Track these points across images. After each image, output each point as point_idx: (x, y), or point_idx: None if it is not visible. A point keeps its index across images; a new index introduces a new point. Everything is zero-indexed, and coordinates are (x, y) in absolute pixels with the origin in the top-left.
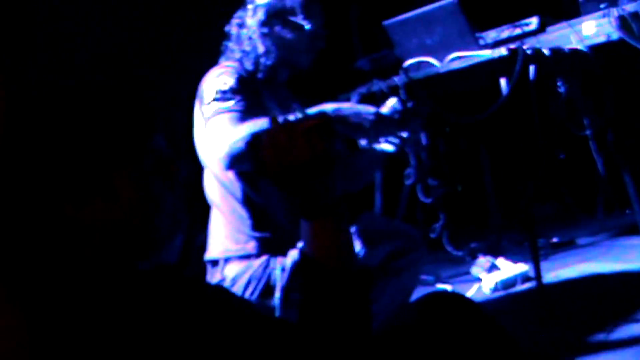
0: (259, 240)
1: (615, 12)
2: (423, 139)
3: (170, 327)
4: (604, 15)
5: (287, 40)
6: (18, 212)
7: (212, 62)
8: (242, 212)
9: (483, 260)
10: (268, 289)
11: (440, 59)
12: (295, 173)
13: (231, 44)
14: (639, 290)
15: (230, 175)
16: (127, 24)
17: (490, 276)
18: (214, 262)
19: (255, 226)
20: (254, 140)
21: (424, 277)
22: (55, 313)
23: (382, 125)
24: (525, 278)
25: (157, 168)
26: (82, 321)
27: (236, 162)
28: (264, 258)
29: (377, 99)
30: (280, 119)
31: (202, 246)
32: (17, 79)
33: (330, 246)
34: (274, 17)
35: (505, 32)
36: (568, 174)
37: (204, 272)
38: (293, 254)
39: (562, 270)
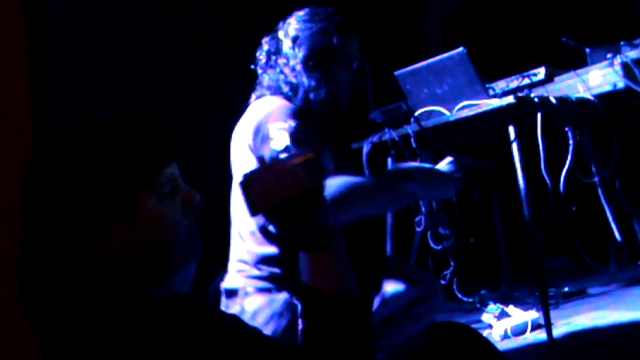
0: (281, 275)
1: (618, 59)
2: None
3: (186, 356)
4: (609, 65)
5: (337, 77)
6: (44, 238)
7: (229, 97)
8: (269, 248)
9: (494, 308)
10: (290, 326)
11: (450, 108)
12: (285, 209)
13: (270, 73)
14: None
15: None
16: (147, 61)
17: (500, 323)
18: (232, 292)
19: (279, 262)
20: (245, 179)
21: None
22: (73, 338)
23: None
24: (535, 325)
25: (173, 194)
26: (99, 347)
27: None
28: (285, 294)
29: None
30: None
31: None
32: (42, 112)
33: (327, 276)
34: (321, 52)
35: (514, 82)
36: (580, 225)
37: (217, 300)
38: None
39: (572, 318)
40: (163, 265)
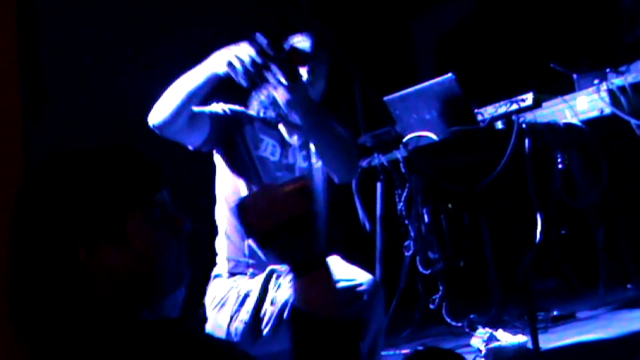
0: (235, 262)
1: (604, 86)
2: (425, 215)
3: None
4: (596, 91)
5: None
6: (36, 259)
7: None
8: (224, 239)
9: (482, 332)
10: (222, 306)
11: (439, 133)
12: (278, 233)
13: None
14: None
15: (222, 206)
16: (141, 82)
17: (489, 347)
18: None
19: (233, 252)
20: (240, 204)
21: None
22: (61, 359)
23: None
24: (523, 349)
25: (163, 219)
26: None
27: (158, 120)
28: (233, 279)
29: None
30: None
31: None
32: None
33: (320, 299)
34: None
35: (502, 108)
36: (569, 248)
37: None
38: (252, 285)
39: (560, 341)
40: (152, 289)
